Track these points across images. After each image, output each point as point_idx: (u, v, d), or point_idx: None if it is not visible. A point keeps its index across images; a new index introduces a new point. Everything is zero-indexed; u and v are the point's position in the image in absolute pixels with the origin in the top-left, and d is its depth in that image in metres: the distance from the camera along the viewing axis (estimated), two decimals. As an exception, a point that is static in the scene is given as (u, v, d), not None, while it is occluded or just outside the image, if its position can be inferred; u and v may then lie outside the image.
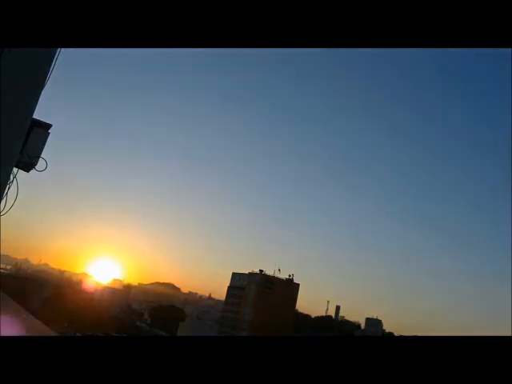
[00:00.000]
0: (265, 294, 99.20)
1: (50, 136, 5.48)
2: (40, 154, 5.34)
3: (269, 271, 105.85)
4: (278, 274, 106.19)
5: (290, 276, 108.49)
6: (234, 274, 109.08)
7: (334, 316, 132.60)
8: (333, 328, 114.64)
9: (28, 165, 5.38)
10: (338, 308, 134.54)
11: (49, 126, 5.49)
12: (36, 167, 5.40)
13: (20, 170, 5.39)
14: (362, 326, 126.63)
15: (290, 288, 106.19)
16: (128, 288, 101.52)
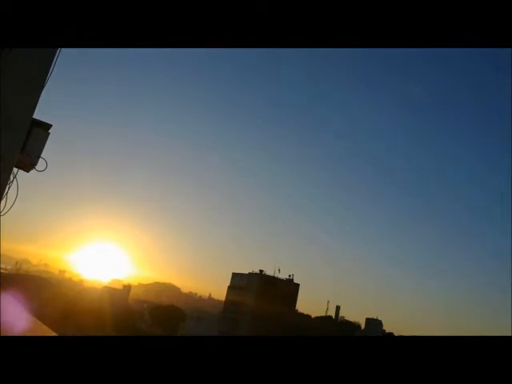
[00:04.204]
0: (265, 295, 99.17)
1: (50, 136, 5.48)
2: (40, 154, 5.34)
3: (269, 271, 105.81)
4: (278, 274, 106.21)
5: (290, 276, 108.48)
6: (234, 274, 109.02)
7: (333, 316, 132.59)
8: (333, 328, 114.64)
9: (28, 165, 5.39)
10: (338, 308, 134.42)
11: (49, 126, 5.50)
12: (36, 167, 5.41)
13: (20, 170, 5.39)
14: (362, 326, 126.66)
15: (290, 288, 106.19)
16: (128, 288, 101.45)
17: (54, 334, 5.12)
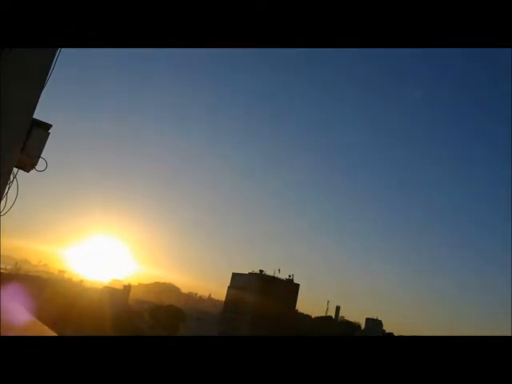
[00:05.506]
0: (265, 295, 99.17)
1: (49, 136, 5.49)
2: (40, 154, 5.34)
3: (269, 271, 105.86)
4: (278, 274, 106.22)
5: (290, 276, 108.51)
6: (234, 275, 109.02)
7: (333, 316, 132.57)
8: (333, 328, 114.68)
9: (28, 165, 5.39)
10: (338, 308, 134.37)
11: (49, 126, 5.50)
12: (36, 167, 5.41)
13: (20, 170, 5.40)
14: (362, 326, 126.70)
15: (290, 288, 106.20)
16: (128, 288, 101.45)
17: (54, 334, 5.12)
